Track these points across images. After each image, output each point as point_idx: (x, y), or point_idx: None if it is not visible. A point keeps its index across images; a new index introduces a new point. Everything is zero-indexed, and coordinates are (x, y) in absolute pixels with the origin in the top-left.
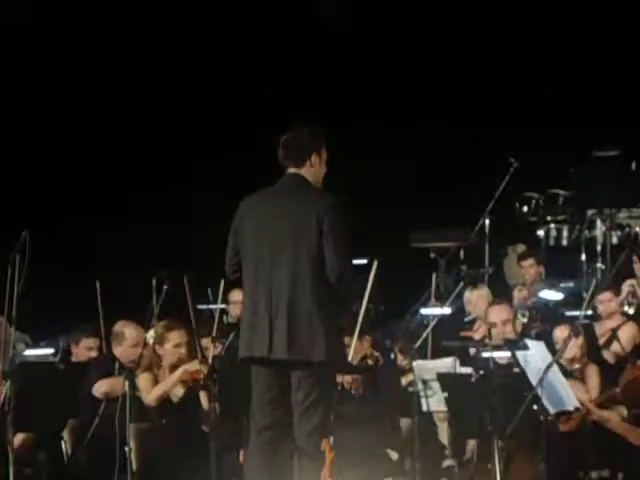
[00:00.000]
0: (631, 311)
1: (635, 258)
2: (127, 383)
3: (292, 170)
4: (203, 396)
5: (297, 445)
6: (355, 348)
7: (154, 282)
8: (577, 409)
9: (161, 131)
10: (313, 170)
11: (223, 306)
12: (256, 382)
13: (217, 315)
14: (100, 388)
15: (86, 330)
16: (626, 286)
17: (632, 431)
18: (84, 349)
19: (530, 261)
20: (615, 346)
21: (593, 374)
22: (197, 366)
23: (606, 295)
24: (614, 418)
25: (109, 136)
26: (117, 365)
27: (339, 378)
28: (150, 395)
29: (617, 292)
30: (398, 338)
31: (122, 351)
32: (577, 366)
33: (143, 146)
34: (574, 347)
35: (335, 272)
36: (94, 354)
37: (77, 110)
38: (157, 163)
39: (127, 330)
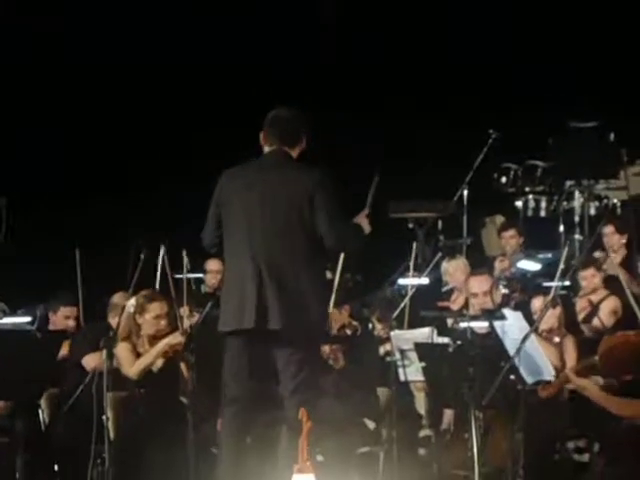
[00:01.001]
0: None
1: (607, 230)
2: (105, 351)
3: (278, 147)
4: (183, 366)
5: (287, 417)
6: (333, 318)
7: (132, 251)
8: (556, 376)
9: (136, 101)
10: (299, 150)
11: (200, 275)
12: (235, 352)
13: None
14: (89, 363)
15: (64, 299)
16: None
17: (609, 399)
18: (62, 317)
19: (512, 232)
20: (596, 320)
21: (570, 345)
22: (179, 338)
23: (589, 271)
24: (592, 386)
25: (87, 108)
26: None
27: None
28: (132, 369)
29: (599, 268)
30: (376, 307)
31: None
32: (555, 338)
33: (120, 116)
34: (552, 317)
35: (334, 242)
36: (72, 323)
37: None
38: (136, 132)
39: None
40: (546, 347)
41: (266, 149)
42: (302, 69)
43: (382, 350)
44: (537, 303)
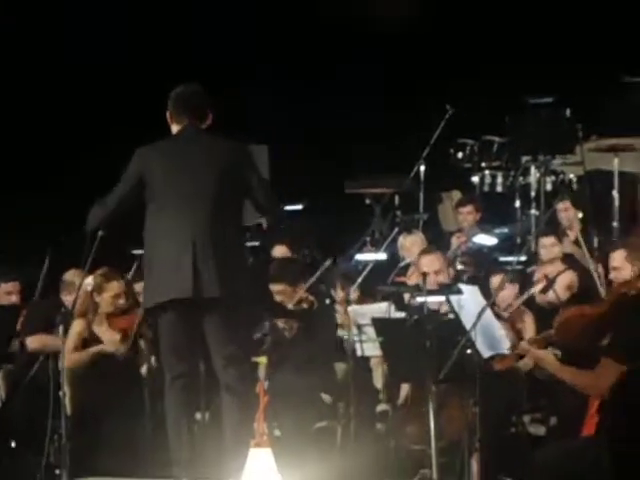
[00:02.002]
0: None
1: (562, 206)
2: (61, 327)
3: (190, 122)
4: (141, 342)
5: (227, 387)
6: (290, 293)
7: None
8: (512, 349)
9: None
10: (206, 124)
11: None
12: (171, 327)
13: None
14: (31, 344)
15: (5, 274)
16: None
17: (564, 370)
18: (3, 293)
19: (469, 207)
20: (551, 294)
21: (529, 321)
22: (115, 346)
23: (549, 239)
24: (548, 357)
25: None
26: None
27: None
28: (67, 359)
29: (560, 238)
30: (336, 278)
31: (72, 300)
32: (515, 313)
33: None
34: (509, 295)
35: (271, 200)
36: (14, 298)
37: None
38: (93, 105)
39: (78, 280)
40: (506, 329)
41: (175, 128)
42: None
43: (340, 319)
44: (495, 280)
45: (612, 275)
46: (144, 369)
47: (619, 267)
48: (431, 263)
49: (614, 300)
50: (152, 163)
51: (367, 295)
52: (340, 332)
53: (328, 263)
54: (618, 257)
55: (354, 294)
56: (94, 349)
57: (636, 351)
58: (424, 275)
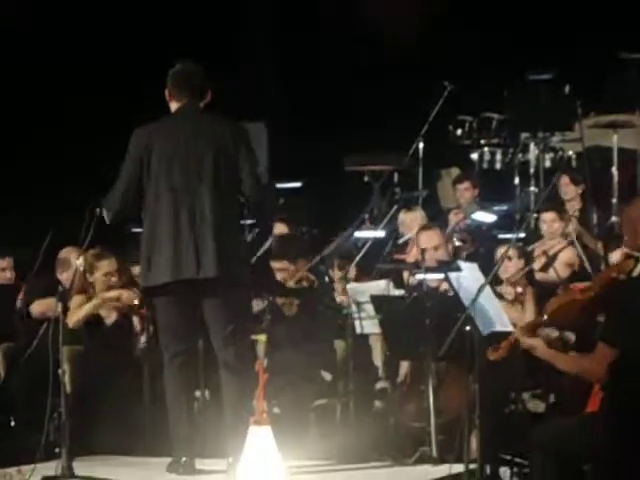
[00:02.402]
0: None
1: (564, 181)
2: (60, 304)
3: (187, 101)
4: (136, 320)
5: (226, 364)
6: (290, 271)
7: (87, 208)
8: (507, 334)
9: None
10: (204, 103)
11: None
12: (169, 307)
13: None
14: (37, 307)
15: None
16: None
17: (557, 357)
18: None
19: (466, 184)
20: (551, 271)
21: (530, 298)
22: (132, 297)
23: (550, 215)
24: (541, 345)
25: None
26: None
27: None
28: (71, 317)
29: (562, 215)
30: (333, 258)
31: (68, 277)
32: (517, 288)
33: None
34: (513, 268)
35: (257, 192)
36: (9, 275)
37: None
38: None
39: (73, 257)
40: (506, 308)
41: (174, 105)
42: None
43: (339, 299)
44: (502, 251)
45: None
46: (141, 346)
47: None
48: (430, 239)
49: (603, 284)
50: (149, 144)
51: (365, 273)
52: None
53: (337, 242)
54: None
55: (352, 272)
56: (95, 302)
57: (627, 334)
58: (422, 251)
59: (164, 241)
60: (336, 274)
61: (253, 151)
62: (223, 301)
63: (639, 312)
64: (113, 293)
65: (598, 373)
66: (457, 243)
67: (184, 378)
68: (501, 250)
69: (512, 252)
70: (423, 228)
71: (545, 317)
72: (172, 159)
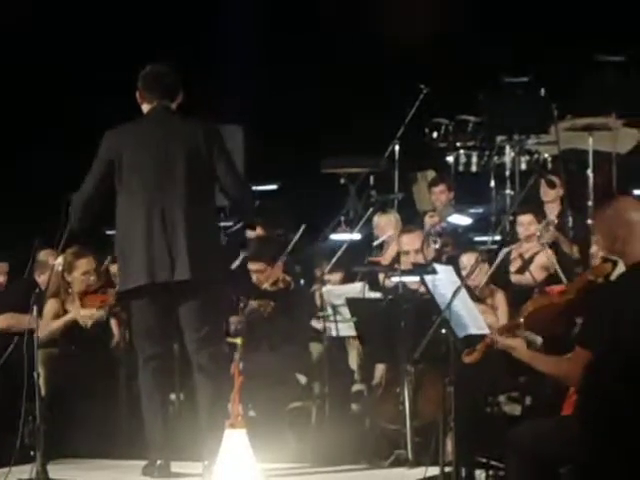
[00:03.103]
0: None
1: (543, 182)
2: (35, 308)
3: (158, 102)
4: (113, 323)
5: (200, 368)
6: (266, 274)
7: (63, 207)
8: (482, 336)
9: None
10: (177, 104)
11: None
12: (144, 310)
13: None
14: (1, 323)
15: None
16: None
17: (537, 358)
18: None
19: (441, 187)
20: (527, 274)
21: (501, 301)
22: (90, 313)
23: (527, 217)
24: (520, 345)
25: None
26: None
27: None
28: (42, 330)
29: (538, 218)
30: (321, 261)
31: (45, 279)
32: (485, 293)
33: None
34: (480, 274)
35: (240, 189)
36: (2, 279)
37: None
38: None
39: (51, 259)
40: (483, 309)
41: (145, 107)
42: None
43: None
44: (466, 259)
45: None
46: (117, 348)
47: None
48: (411, 241)
49: (581, 287)
50: (121, 147)
51: (341, 275)
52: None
53: (298, 236)
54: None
55: (337, 275)
56: (68, 316)
57: (603, 337)
58: (399, 254)
59: (137, 245)
60: (332, 278)
61: (227, 150)
62: (197, 304)
63: (616, 315)
64: (86, 312)
65: (575, 376)
66: (437, 246)
67: (159, 381)
68: (464, 258)
69: (477, 259)
70: (405, 231)
71: (521, 319)
72: (143, 162)
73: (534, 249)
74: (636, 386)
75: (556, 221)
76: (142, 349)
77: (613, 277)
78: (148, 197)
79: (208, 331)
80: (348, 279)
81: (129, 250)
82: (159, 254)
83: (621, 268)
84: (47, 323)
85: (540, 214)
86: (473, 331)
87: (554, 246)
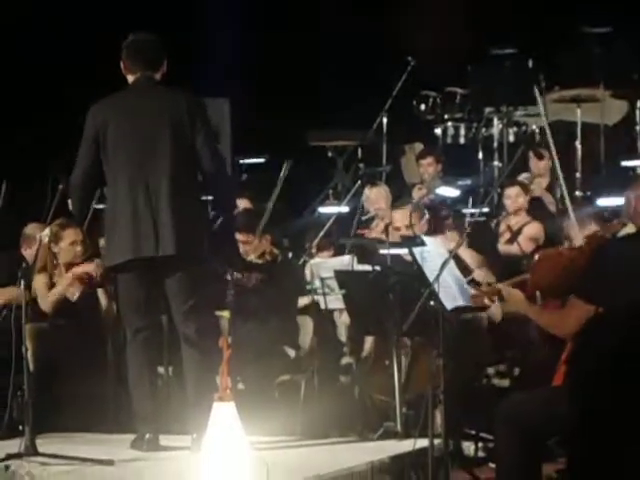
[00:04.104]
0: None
1: (531, 154)
2: (22, 282)
3: (142, 73)
4: (101, 294)
5: (186, 340)
6: (255, 245)
7: (50, 182)
8: (488, 284)
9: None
10: (161, 73)
11: None
12: (130, 284)
13: None
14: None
15: None
16: (521, 179)
17: (532, 309)
18: None
19: (429, 159)
20: (515, 245)
21: (489, 273)
22: (91, 267)
23: (514, 190)
24: (518, 295)
25: None
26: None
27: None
28: (46, 302)
29: (526, 189)
30: (311, 236)
31: (32, 253)
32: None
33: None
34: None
35: (213, 163)
36: None
37: None
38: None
39: (38, 233)
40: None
41: (130, 78)
42: None
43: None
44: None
45: None
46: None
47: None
48: (403, 217)
49: (590, 242)
50: (104, 121)
51: (328, 248)
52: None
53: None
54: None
55: (317, 247)
56: (68, 275)
57: (606, 292)
58: (395, 229)
59: (123, 219)
60: (323, 254)
61: (208, 123)
62: (183, 277)
63: (626, 270)
64: (80, 269)
65: (565, 328)
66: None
67: (147, 354)
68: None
69: (464, 234)
70: (396, 206)
71: (529, 271)
72: (127, 135)
73: (522, 221)
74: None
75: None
76: (130, 322)
77: (620, 235)
78: (132, 171)
79: (194, 303)
80: (338, 254)
81: (115, 225)
82: (144, 229)
83: (630, 229)
84: (44, 297)
85: (526, 185)
86: (462, 303)
87: (538, 215)
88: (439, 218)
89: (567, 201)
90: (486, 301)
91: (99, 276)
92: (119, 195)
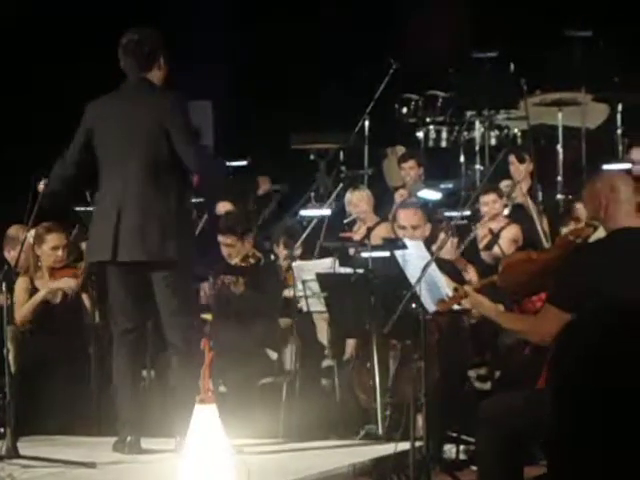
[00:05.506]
0: (506, 212)
1: (512, 159)
2: (4, 284)
3: (136, 74)
4: (85, 298)
5: (173, 347)
6: (237, 248)
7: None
8: (455, 289)
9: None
10: (160, 73)
11: None
12: (116, 284)
13: None
14: None
15: None
16: (502, 187)
17: (501, 315)
18: None
19: (411, 163)
20: (496, 248)
21: (472, 273)
22: (69, 283)
23: (490, 196)
24: (486, 301)
25: None
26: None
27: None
28: (19, 312)
29: (501, 194)
30: (280, 235)
31: (14, 256)
32: (456, 264)
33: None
34: (449, 248)
35: (195, 160)
36: None
37: None
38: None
39: (21, 234)
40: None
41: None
42: None
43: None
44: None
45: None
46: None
47: (580, 218)
48: (408, 217)
49: (560, 247)
50: (96, 119)
51: (310, 251)
52: (285, 289)
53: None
54: (581, 209)
55: (299, 250)
56: (38, 295)
57: (578, 300)
58: (400, 229)
59: (102, 221)
60: (281, 252)
61: (186, 118)
62: (165, 280)
63: (592, 276)
64: (57, 284)
65: (541, 334)
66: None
67: (133, 356)
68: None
69: (445, 231)
70: (402, 206)
71: (497, 275)
72: (110, 136)
73: (501, 223)
74: (612, 351)
75: (525, 189)
76: (116, 322)
77: (592, 240)
78: (114, 172)
79: (177, 305)
80: (320, 256)
81: (93, 224)
82: (122, 233)
83: (600, 234)
84: (19, 306)
85: (500, 190)
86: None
87: (520, 221)
88: (433, 222)
89: None
90: (455, 306)
91: (78, 285)
92: (102, 194)
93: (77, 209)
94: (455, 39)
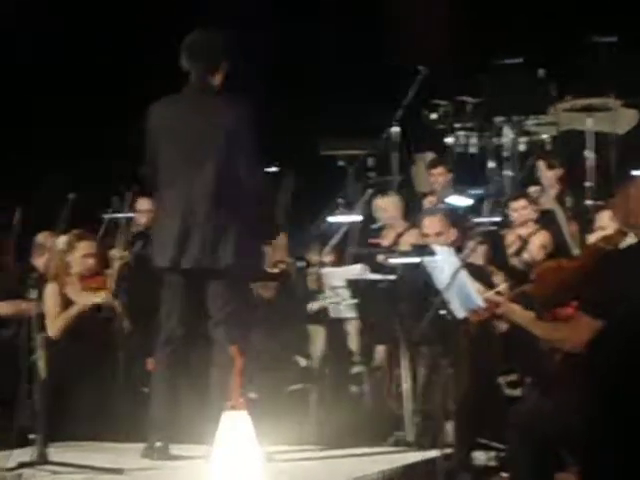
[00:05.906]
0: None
1: (541, 165)
2: (34, 291)
3: (200, 75)
4: (115, 305)
5: (216, 353)
6: (270, 254)
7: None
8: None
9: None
10: (221, 76)
11: (131, 215)
12: (177, 291)
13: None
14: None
15: None
16: (531, 192)
17: (537, 324)
18: None
19: (440, 169)
20: (525, 254)
21: (500, 281)
22: (97, 299)
23: (520, 202)
24: (520, 310)
25: None
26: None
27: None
28: (53, 327)
29: (531, 200)
30: (314, 244)
31: (43, 262)
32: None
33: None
34: (479, 255)
35: (254, 188)
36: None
37: None
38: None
39: (49, 242)
40: (481, 289)
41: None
42: None
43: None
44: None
45: (597, 234)
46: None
47: (605, 227)
48: (432, 224)
49: (591, 254)
50: (155, 125)
51: (340, 257)
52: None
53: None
54: (605, 217)
55: (328, 257)
56: (73, 310)
57: (609, 307)
58: (424, 236)
59: (167, 227)
60: (312, 258)
61: (253, 134)
62: (218, 289)
63: (621, 283)
64: (92, 299)
65: (574, 342)
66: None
67: (174, 363)
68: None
69: (476, 240)
70: (427, 213)
71: (530, 285)
72: (170, 143)
73: (531, 229)
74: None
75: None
76: (166, 329)
77: (622, 246)
78: (176, 179)
79: (225, 314)
80: (349, 263)
81: (159, 229)
82: (185, 240)
83: (630, 240)
84: (51, 316)
85: (530, 196)
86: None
87: (549, 227)
88: (463, 228)
89: None
90: (487, 315)
91: (109, 295)
92: (165, 199)
93: (104, 216)
94: (483, 45)
